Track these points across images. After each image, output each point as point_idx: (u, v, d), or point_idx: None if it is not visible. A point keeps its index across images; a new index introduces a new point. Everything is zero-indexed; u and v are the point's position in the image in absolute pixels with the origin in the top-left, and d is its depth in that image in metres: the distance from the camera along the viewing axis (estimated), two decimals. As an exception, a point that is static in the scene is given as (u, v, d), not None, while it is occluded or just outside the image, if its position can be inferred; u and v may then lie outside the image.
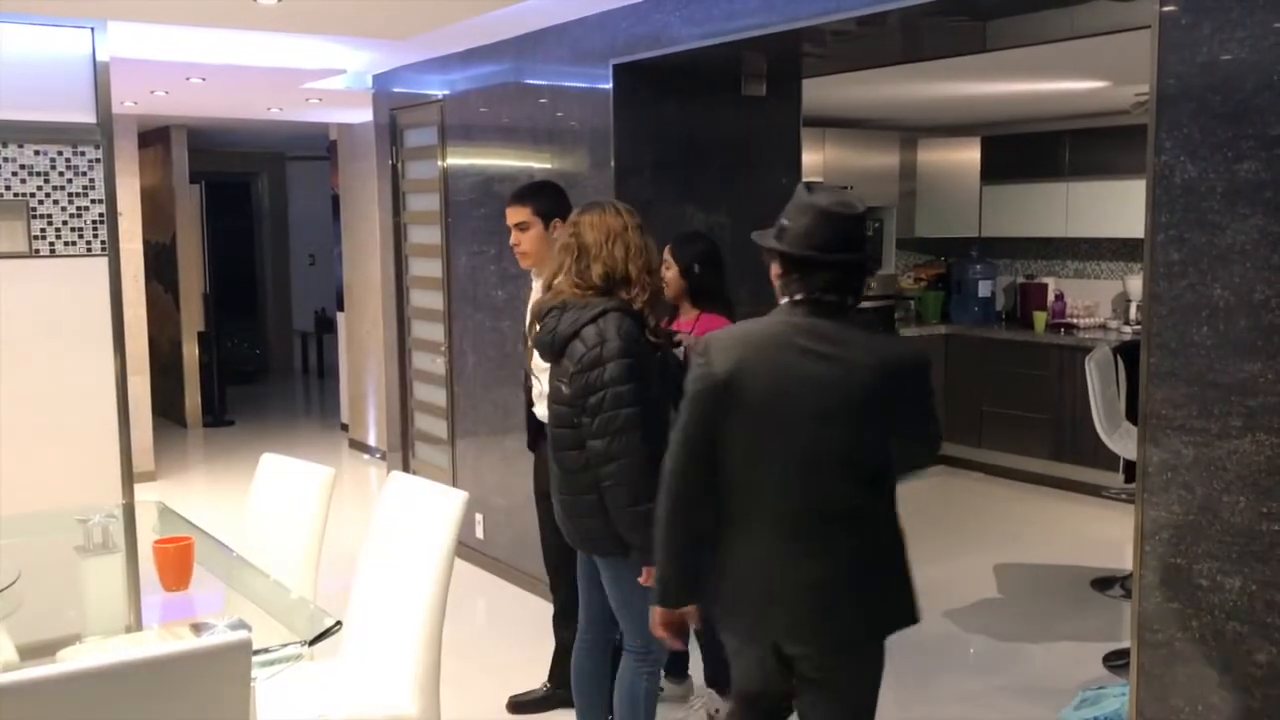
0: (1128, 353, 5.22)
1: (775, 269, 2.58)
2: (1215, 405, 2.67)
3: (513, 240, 3.79)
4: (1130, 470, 4.67)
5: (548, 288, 3.14)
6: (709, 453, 2.44)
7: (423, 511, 3.01)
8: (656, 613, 2.61)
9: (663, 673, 3.81)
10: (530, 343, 3.20)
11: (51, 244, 4.11)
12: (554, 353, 3.08)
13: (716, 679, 3.96)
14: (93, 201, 4.17)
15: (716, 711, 3.93)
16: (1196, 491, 2.72)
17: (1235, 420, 2.64)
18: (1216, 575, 2.70)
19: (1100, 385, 5.08)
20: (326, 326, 12.13)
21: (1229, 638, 2.69)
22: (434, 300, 6.04)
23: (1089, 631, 4.87)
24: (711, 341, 2.55)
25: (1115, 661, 4.35)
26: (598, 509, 3.02)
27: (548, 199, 3.83)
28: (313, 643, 2.46)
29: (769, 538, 2.43)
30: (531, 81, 5.16)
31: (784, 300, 2.55)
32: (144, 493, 4.53)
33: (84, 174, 4.15)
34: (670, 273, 3.82)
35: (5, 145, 4.04)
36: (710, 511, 2.48)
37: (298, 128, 9.35)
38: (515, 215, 3.79)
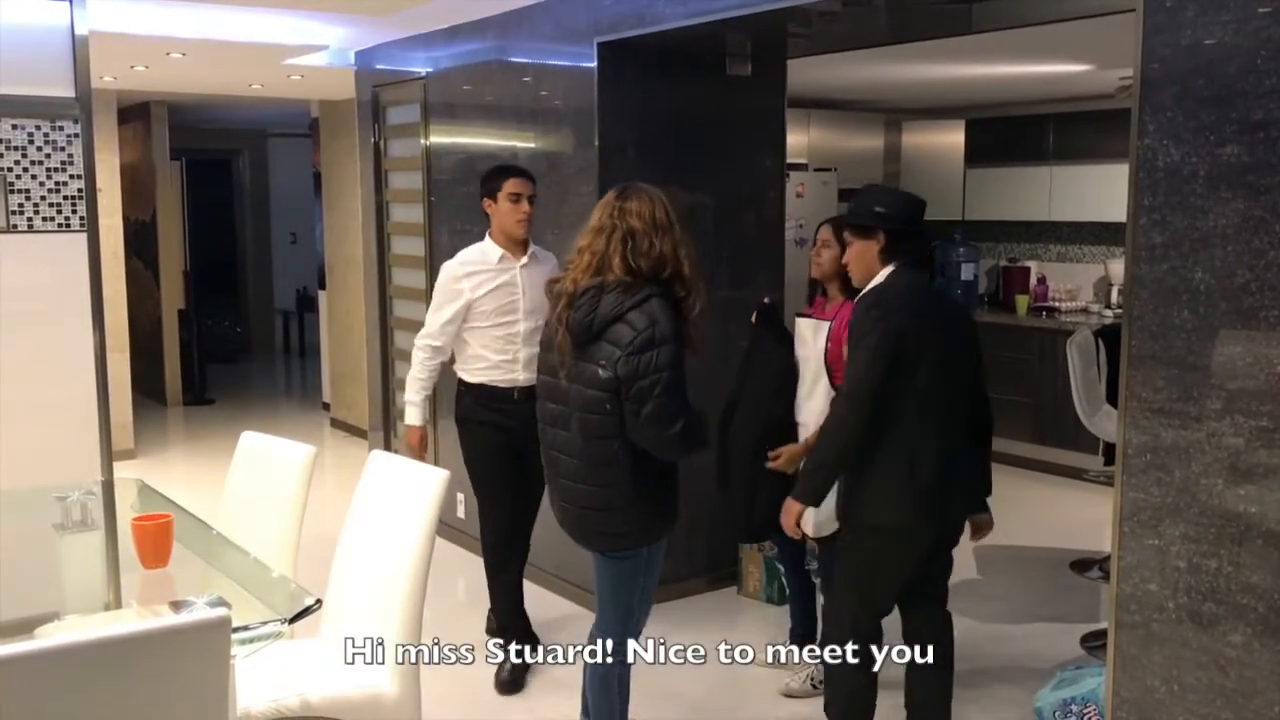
0: (1109, 336, 5.24)
1: (871, 244, 3.17)
2: (1195, 388, 2.69)
3: (526, 209, 4.06)
4: (1110, 453, 4.70)
5: (597, 270, 2.99)
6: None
7: (404, 490, 3.00)
8: (795, 506, 3.20)
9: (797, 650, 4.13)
10: (561, 323, 3.03)
11: (29, 219, 4.07)
12: (591, 335, 2.95)
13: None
14: (71, 177, 4.12)
15: (821, 683, 4.00)
16: (1175, 474, 2.74)
17: (1214, 403, 2.65)
18: (1194, 557, 2.72)
19: (1081, 368, 5.10)
20: (308, 305, 12.07)
21: (1205, 619, 2.71)
22: (416, 279, 6.01)
23: (1067, 613, 4.90)
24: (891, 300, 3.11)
25: (1093, 643, 4.39)
26: (621, 502, 2.99)
27: None
28: (292, 621, 2.46)
29: None
30: (515, 59, 5.13)
31: (893, 266, 3.15)
32: (123, 471, 4.51)
33: (62, 149, 4.10)
34: (829, 252, 3.81)
35: (-18, 119, 4.00)
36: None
37: (279, 104, 9.28)
38: (531, 187, 4.10)
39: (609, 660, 3.17)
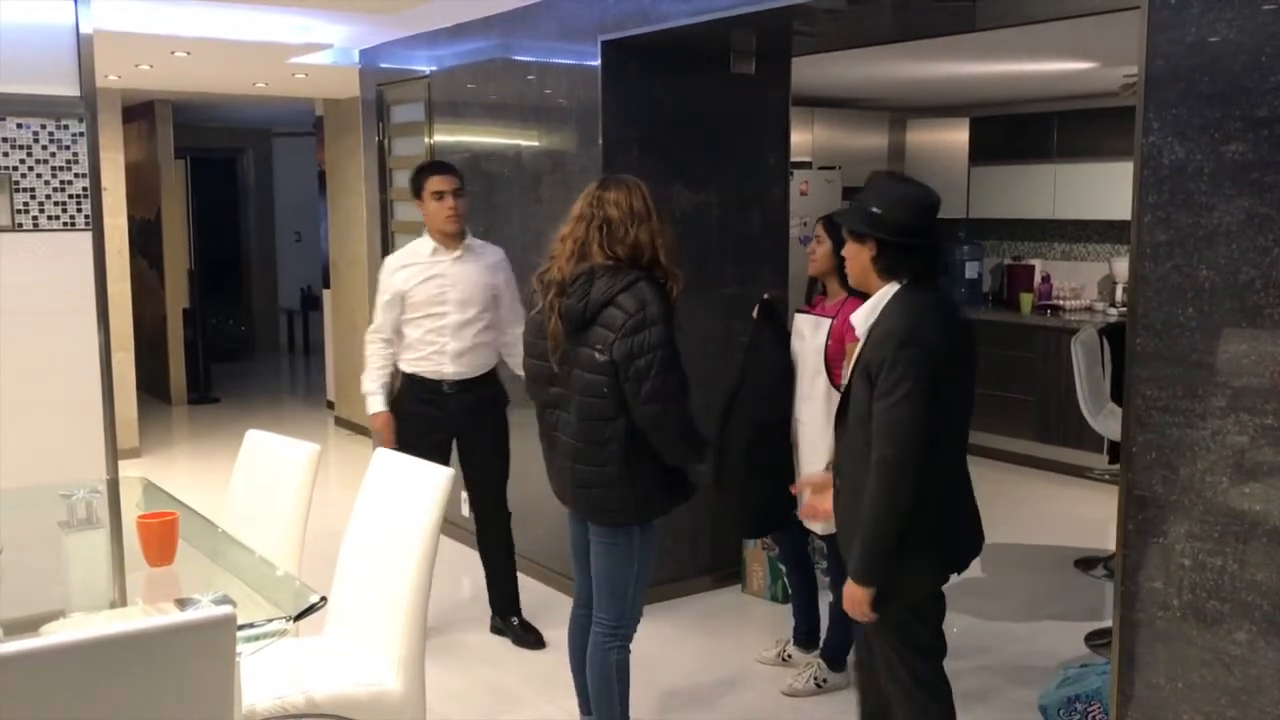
0: (1113, 334, 5.24)
1: (862, 250, 2.79)
2: (1199, 386, 2.68)
3: (451, 205, 4.20)
4: (1115, 451, 4.69)
5: (580, 257, 3.10)
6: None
7: (408, 488, 3.01)
8: (860, 592, 2.70)
9: (823, 663, 4.03)
10: (554, 310, 3.11)
11: (35, 218, 4.07)
12: (585, 320, 3.06)
13: (836, 653, 4.04)
14: (76, 175, 4.12)
15: (824, 681, 4.02)
16: (1180, 472, 2.74)
17: (1219, 401, 2.65)
18: (1198, 555, 2.71)
19: (1085, 366, 5.10)
20: (312, 304, 12.09)
21: (1210, 617, 2.70)
22: (420, 278, 6.01)
23: (1072, 611, 4.90)
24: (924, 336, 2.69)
25: (1097, 640, 4.38)
26: (617, 480, 3.09)
27: None
28: (297, 618, 2.46)
29: None
30: (519, 58, 5.13)
31: (896, 286, 2.75)
32: (128, 469, 4.51)
33: (67, 148, 4.10)
34: (822, 249, 3.82)
35: (-13, 118, 4.00)
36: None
37: (284, 103, 9.28)
38: (453, 182, 4.25)
39: (607, 649, 3.24)
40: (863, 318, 2.82)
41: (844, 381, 2.96)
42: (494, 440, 4.37)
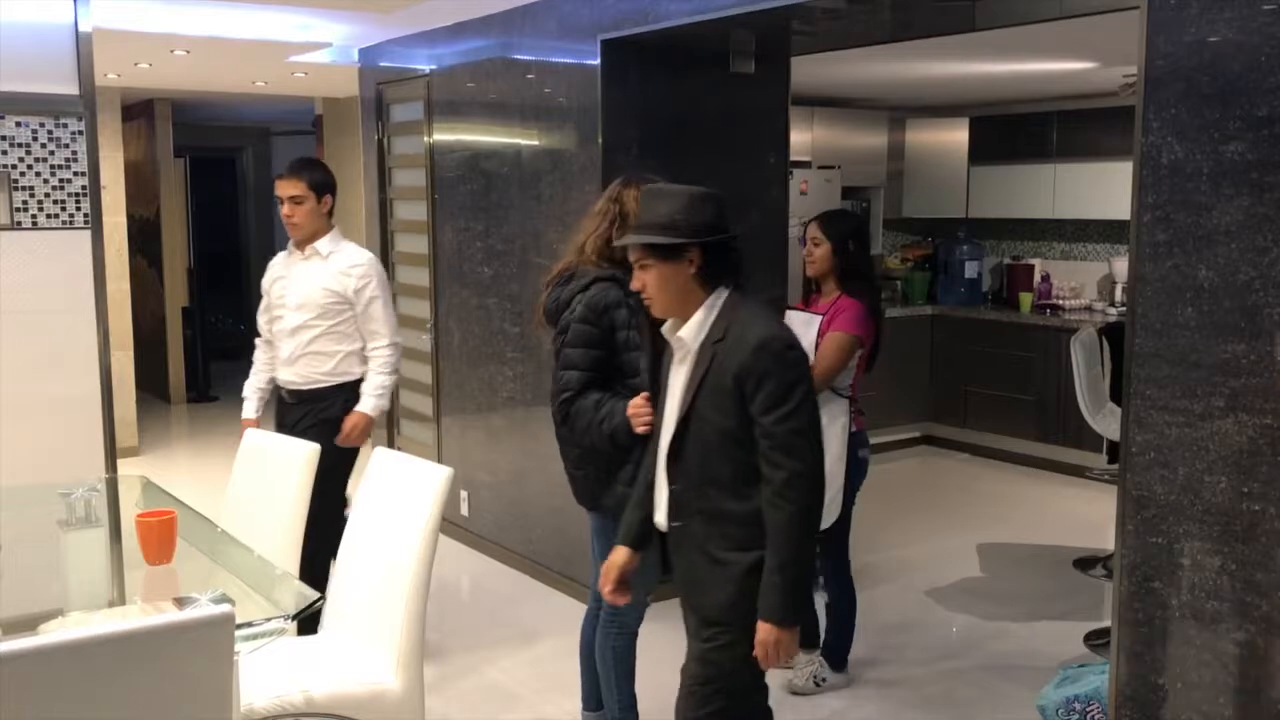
0: (1112, 334, 5.24)
1: (681, 266, 2.52)
2: (1198, 386, 2.69)
3: (286, 212, 4.06)
4: (1114, 451, 4.69)
5: (580, 251, 3.21)
6: None
7: (407, 488, 3.01)
8: (788, 635, 2.51)
9: (824, 661, 4.06)
10: (540, 297, 3.33)
11: (34, 216, 4.07)
12: (555, 318, 3.22)
13: (836, 652, 4.08)
14: (75, 174, 4.12)
15: (824, 680, 4.04)
16: (1179, 472, 2.74)
17: (1218, 401, 2.65)
18: (1197, 555, 2.72)
19: (1085, 366, 5.10)
20: (312, 303, 12.05)
21: (1209, 617, 2.71)
22: (420, 277, 6.02)
23: (1071, 611, 4.90)
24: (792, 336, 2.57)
25: (1096, 640, 4.38)
26: (580, 462, 3.24)
27: (320, 173, 4.17)
28: (296, 617, 2.46)
29: None
30: (519, 57, 5.13)
31: (725, 291, 2.56)
32: (127, 468, 4.50)
33: (66, 146, 4.10)
34: (820, 249, 3.88)
35: (-14, 116, 4.00)
36: None
37: (283, 101, 9.28)
38: (290, 188, 4.06)
39: (605, 633, 3.35)
40: (694, 332, 2.53)
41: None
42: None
